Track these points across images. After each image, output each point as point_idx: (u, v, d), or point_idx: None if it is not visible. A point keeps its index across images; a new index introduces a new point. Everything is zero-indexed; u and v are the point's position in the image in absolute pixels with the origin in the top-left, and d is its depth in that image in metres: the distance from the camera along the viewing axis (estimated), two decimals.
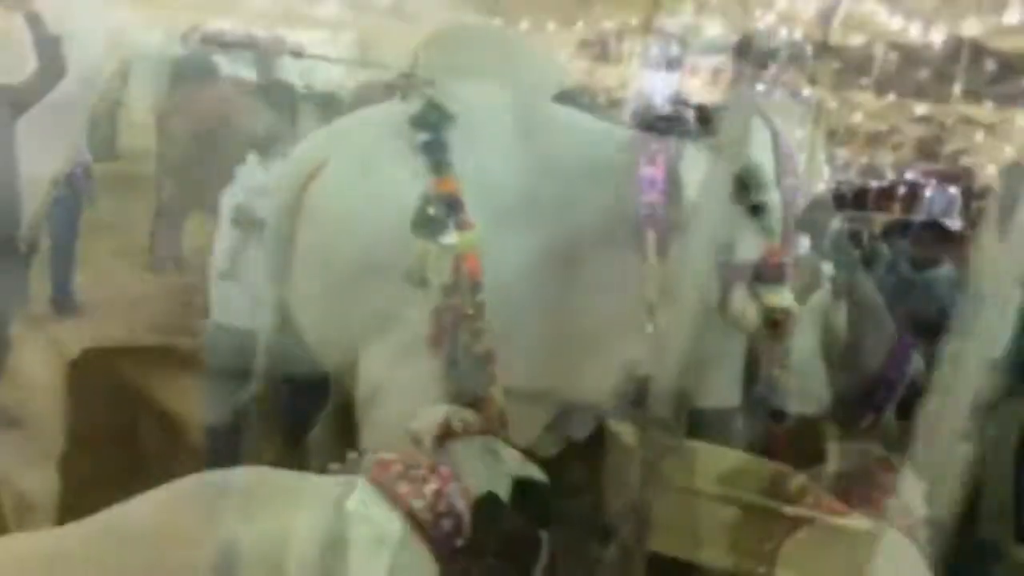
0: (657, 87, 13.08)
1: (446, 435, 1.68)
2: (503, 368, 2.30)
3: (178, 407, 2.29)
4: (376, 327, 2.20)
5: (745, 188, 2.23)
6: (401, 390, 2.19)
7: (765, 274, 2.24)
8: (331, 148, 2.23)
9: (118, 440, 2.49)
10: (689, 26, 12.16)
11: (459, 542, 1.55)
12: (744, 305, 2.26)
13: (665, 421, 2.15)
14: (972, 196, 9.29)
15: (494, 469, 1.69)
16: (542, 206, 2.29)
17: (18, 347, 1.98)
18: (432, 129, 2.21)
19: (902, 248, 3.92)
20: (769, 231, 2.25)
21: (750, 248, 2.26)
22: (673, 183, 2.24)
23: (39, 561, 1.23)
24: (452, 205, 2.15)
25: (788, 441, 3.43)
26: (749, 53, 2.08)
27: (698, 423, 3.08)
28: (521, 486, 1.70)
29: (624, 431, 2.35)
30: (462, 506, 1.58)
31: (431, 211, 2.13)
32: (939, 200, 9.44)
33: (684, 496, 2.20)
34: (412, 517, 1.50)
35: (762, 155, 2.23)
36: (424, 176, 2.17)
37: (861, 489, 2.58)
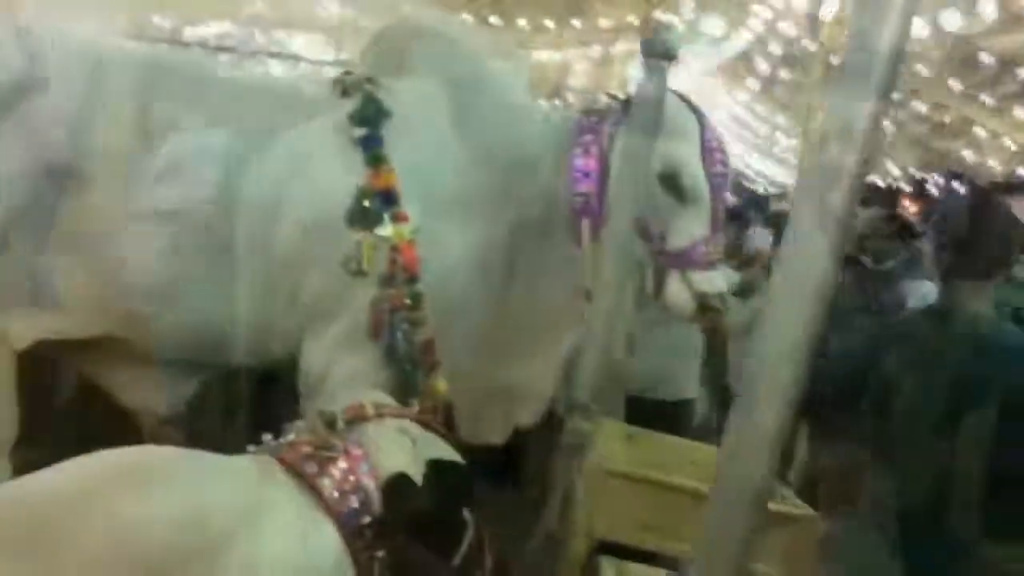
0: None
1: (358, 417, 1.74)
2: (446, 357, 2.36)
3: (129, 398, 2.35)
4: (316, 318, 2.26)
5: (671, 177, 2.28)
6: (342, 380, 2.24)
7: (695, 261, 2.28)
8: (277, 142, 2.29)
9: (69, 431, 2.57)
10: (688, 24, 12.20)
11: (366, 519, 1.60)
12: (678, 292, 2.31)
13: (585, 406, 2.19)
14: None
15: (408, 451, 1.73)
16: (478, 198, 2.35)
17: None
18: (369, 124, 2.27)
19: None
20: (698, 219, 2.29)
21: (682, 236, 2.30)
22: (606, 173, 2.28)
23: None
24: (387, 198, 2.21)
25: None
26: (656, 44, 2.11)
27: (662, 415, 3.15)
28: (435, 467, 1.73)
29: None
30: (371, 485, 1.63)
31: (366, 203, 2.20)
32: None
33: (654, 490, 2.24)
34: (318, 495, 1.56)
35: (687, 145, 2.28)
36: (360, 170, 2.23)
37: (833, 486, 2.61)
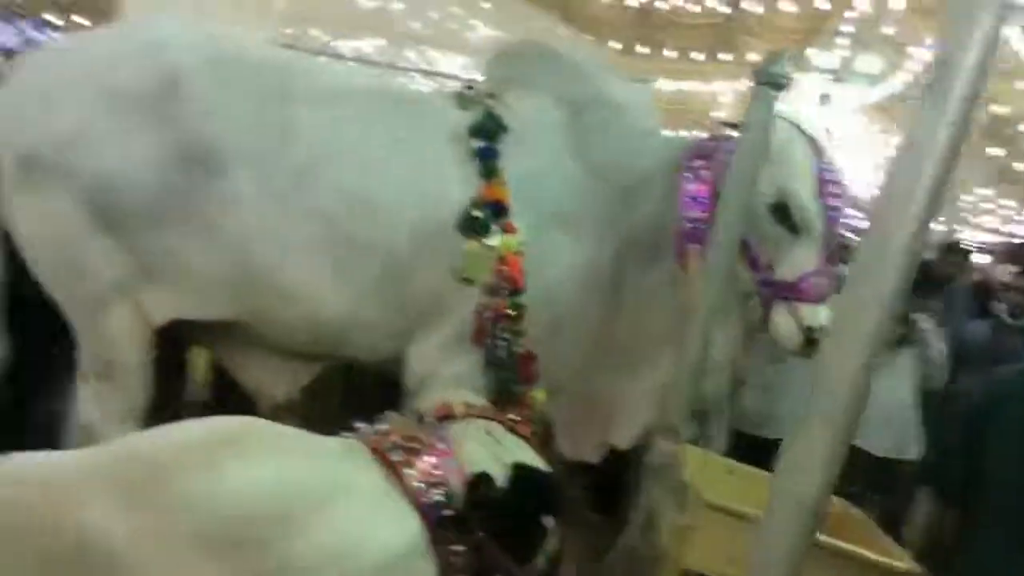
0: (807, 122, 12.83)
1: (448, 415, 1.81)
2: (547, 371, 2.41)
3: (249, 381, 2.52)
4: (424, 320, 2.35)
5: (781, 207, 2.26)
6: (444, 383, 2.33)
7: (804, 294, 2.25)
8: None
9: (193, 405, 2.76)
10: (843, 61, 11.88)
11: (448, 513, 1.67)
12: (785, 324, 2.28)
13: (673, 428, 2.19)
14: None
15: (493, 452, 1.79)
16: (588, 216, 2.40)
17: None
18: (486, 137, 2.36)
19: None
20: (808, 251, 2.26)
21: (791, 268, 2.27)
22: (716, 199, 2.29)
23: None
24: (498, 209, 2.29)
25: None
26: (767, 73, 2.10)
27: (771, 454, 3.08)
28: (519, 471, 1.78)
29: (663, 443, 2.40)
30: (455, 480, 1.69)
31: (477, 213, 2.28)
32: None
33: (749, 526, 2.21)
34: (402, 483, 1.63)
35: (799, 175, 2.26)
36: (475, 180, 2.32)
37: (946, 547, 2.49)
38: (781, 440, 3.27)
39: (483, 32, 9.31)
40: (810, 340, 2.25)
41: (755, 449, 3.19)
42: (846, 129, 12.48)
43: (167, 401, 2.51)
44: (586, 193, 2.40)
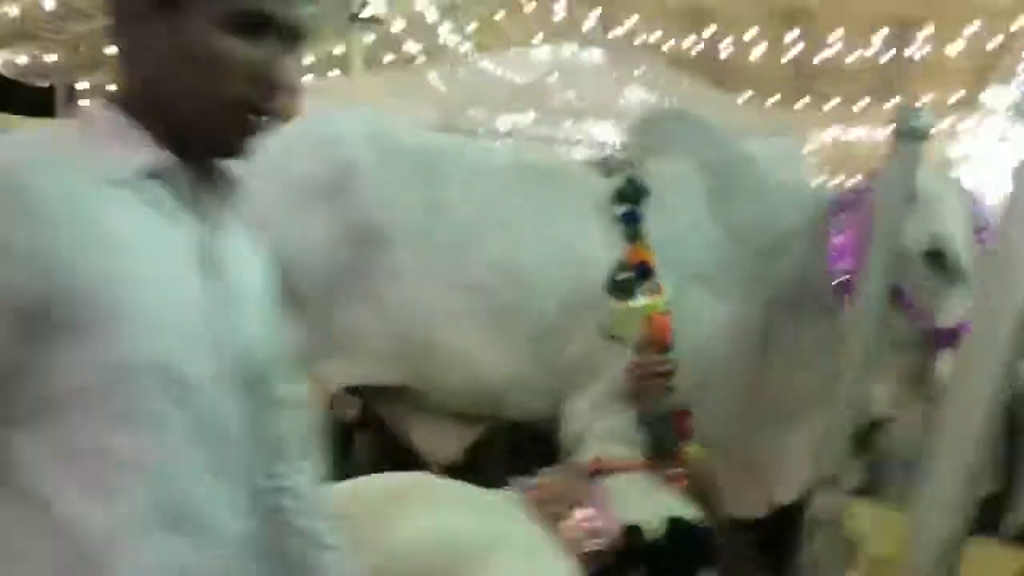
0: (989, 163, 12.14)
1: (604, 469, 1.89)
2: (702, 427, 2.45)
3: (417, 441, 2.69)
4: (576, 380, 2.46)
5: (937, 255, 2.23)
6: (599, 439, 2.41)
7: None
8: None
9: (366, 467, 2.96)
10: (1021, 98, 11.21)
11: (603, 564, 1.74)
12: (945, 368, 2.22)
13: (833, 480, 2.16)
14: None
15: (649, 505, 1.86)
16: (733, 274, 2.44)
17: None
18: (629, 202, 2.47)
19: None
20: (968, 297, 2.20)
21: (951, 315, 2.23)
22: (864, 251, 2.28)
23: None
24: (643, 271, 2.39)
25: None
26: (907, 125, 2.09)
27: None
28: (675, 524, 1.84)
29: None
30: (611, 531, 1.77)
31: (623, 276, 2.38)
32: None
33: None
34: (560, 535, 1.72)
35: (953, 223, 2.23)
36: (620, 244, 2.43)
37: None
38: None
39: (636, 99, 9.48)
40: None
41: None
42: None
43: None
44: (728, 253, 2.45)
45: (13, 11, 10.03)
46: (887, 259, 2.11)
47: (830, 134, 13.85)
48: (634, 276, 2.38)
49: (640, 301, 2.36)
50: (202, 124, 0.99)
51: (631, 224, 2.44)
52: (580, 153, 8.43)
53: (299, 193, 2.41)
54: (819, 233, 2.39)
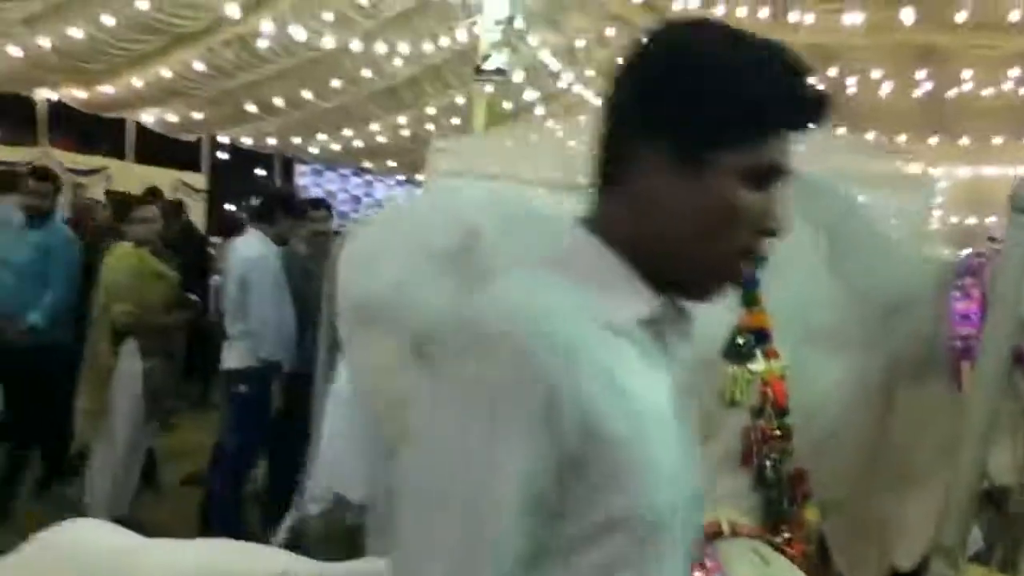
0: None
1: (715, 533, 1.95)
2: (819, 489, 2.46)
3: None
4: (696, 441, 2.52)
5: None
6: (716, 502, 2.46)
7: None
8: None
9: None
10: None
11: None
12: None
13: (950, 549, 2.15)
14: None
15: (762, 572, 1.90)
16: (851, 336, 2.46)
17: None
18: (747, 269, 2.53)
19: None
20: None
21: None
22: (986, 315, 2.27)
23: None
24: (760, 336, 2.43)
25: None
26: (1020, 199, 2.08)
27: None
28: None
29: None
30: None
31: (740, 340, 2.44)
32: None
33: None
34: None
35: None
36: (736, 309, 2.49)
37: None
38: None
39: None
40: None
41: None
42: None
43: None
44: (848, 312, 2.47)
45: (166, 72, 10.89)
46: (1008, 324, 2.10)
47: (965, 171, 13.34)
48: (752, 341, 2.43)
49: (757, 365, 2.41)
50: (699, 270, 1.05)
51: (748, 290, 2.49)
52: None
53: (433, 259, 2.59)
54: (942, 295, 2.39)
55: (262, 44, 9.93)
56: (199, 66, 10.60)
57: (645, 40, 1.04)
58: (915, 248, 2.62)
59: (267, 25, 9.39)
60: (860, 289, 2.50)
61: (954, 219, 12.43)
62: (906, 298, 2.46)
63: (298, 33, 9.56)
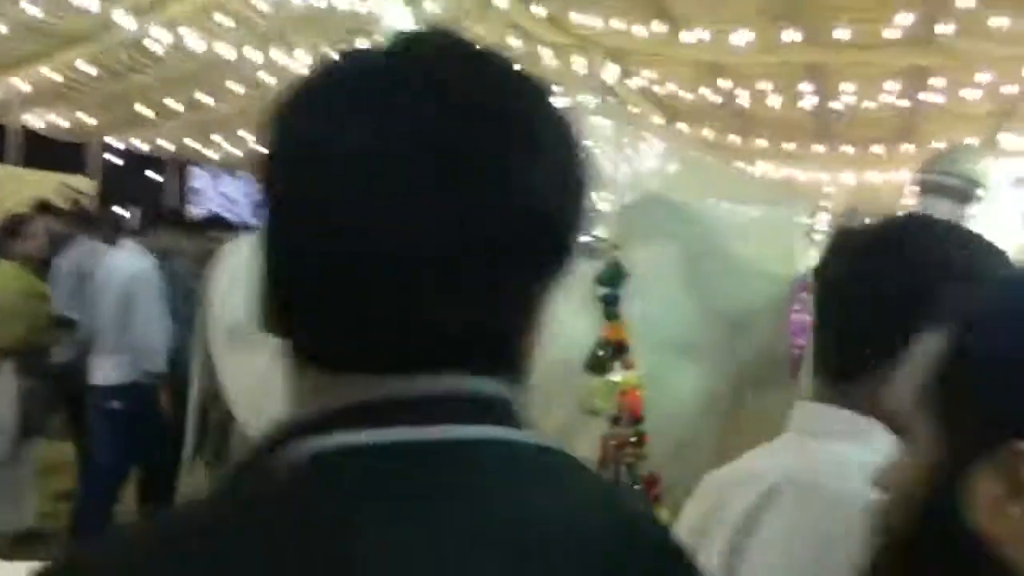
0: (1002, 206, 12.21)
1: None
2: (671, 493, 2.62)
3: None
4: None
5: None
6: None
7: None
8: None
9: None
10: None
11: None
12: None
13: None
14: None
15: None
16: (703, 349, 2.63)
17: None
18: (610, 284, 2.68)
19: None
20: None
21: None
22: None
23: None
24: (619, 348, 2.59)
25: None
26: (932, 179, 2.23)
27: None
28: None
29: None
30: None
31: (601, 352, 2.59)
32: None
33: None
34: None
35: None
36: (599, 323, 2.64)
37: None
38: None
39: (634, 170, 9.63)
40: None
41: None
42: None
43: None
44: (700, 328, 2.64)
45: (55, 75, 10.55)
46: None
47: (848, 177, 14.01)
48: (611, 352, 2.58)
49: (616, 376, 2.56)
50: None
51: (610, 305, 2.64)
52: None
53: None
54: (785, 311, 2.58)
55: (155, 47, 9.72)
56: (88, 68, 10.32)
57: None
58: (765, 266, 2.81)
59: (159, 30, 9.20)
60: (712, 305, 2.67)
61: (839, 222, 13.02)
62: (753, 311, 2.65)
63: (192, 37, 9.40)
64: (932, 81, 11.14)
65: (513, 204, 0.59)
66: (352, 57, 0.65)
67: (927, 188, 2.26)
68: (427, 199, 0.56)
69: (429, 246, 0.56)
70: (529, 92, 0.64)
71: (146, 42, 9.57)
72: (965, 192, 2.02)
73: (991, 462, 0.57)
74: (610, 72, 11.51)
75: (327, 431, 0.56)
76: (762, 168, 13.76)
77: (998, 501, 0.57)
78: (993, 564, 0.57)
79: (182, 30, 9.26)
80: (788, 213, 3.84)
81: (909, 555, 0.63)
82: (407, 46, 0.63)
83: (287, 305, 0.60)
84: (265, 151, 0.62)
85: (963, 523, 0.58)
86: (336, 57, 0.65)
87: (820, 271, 1.22)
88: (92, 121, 12.44)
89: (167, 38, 9.30)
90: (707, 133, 13.54)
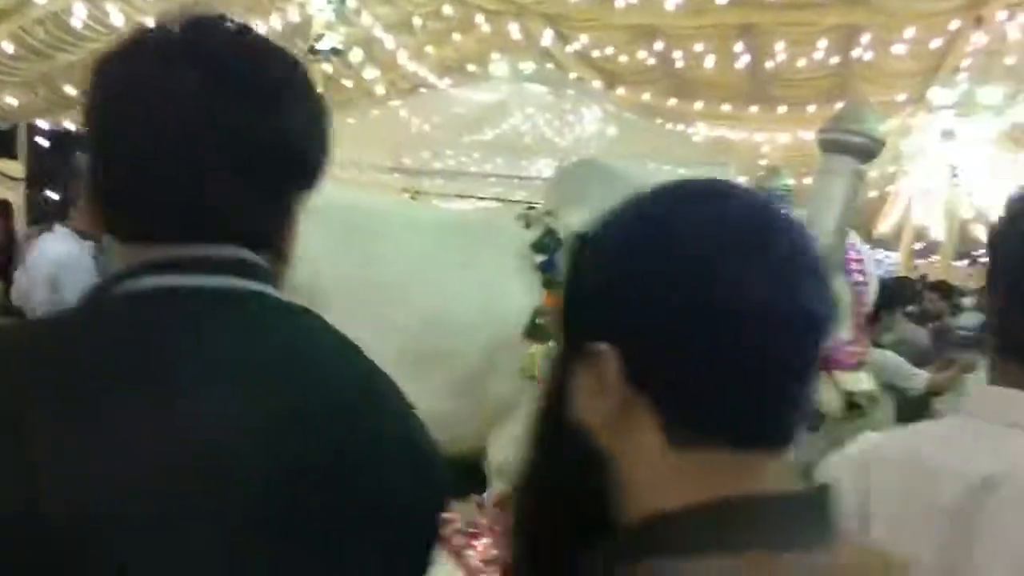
0: (932, 159, 12.54)
1: (505, 502, 2.10)
2: None
3: None
4: (500, 414, 2.69)
5: None
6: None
7: (841, 363, 2.44)
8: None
9: None
10: (964, 94, 11.61)
11: None
12: (826, 392, 2.46)
13: None
14: None
15: None
16: None
17: None
18: (546, 252, 2.71)
19: None
20: (840, 324, 2.45)
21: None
22: None
23: None
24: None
25: None
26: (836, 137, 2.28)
27: None
28: None
29: None
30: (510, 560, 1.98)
31: (539, 321, 2.62)
32: None
33: None
34: (464, 564, 1.94)
35: None
36: (537, 291, 2.67)
37: None
38: None
39: (568, 137, 9.65)
40: (852, 404, 2.43)
41: None
42: (974, 161, 12.09)
43: None
44: None
45: None
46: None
47: (784, 136, 14.21)
48: (550, 320, 2.61)
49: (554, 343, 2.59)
50: None
51: (548, 272, 2.67)
52: (523, 189, 8.64)
53: None
54: None
55: (76, 23, 9.40)
56: (6, 46, 9.94)
57: None
58: None
59: (79, 5, 8.90)
60: None
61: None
62: None
63: (115, 11, 9.11)
64: (863, 39, 11.32)
65: (271, 138, 0.84)
66: (157, 29, 0.87)
67: (830, 146, 2.31)
68: (209, 131, 0.81)
69: (211, 162, 0.81)
70: (282, 59, 0.88)
71: (67, 18, 9.26)
72: (867, 149, 2.06)
73: (583, 362, 0.67)
74: (547, 38, 11.46)
75: (138, 277, 0.81)
76: (701, 130, 13.88)
77: (589, 395, 0.66)
78: (592, 451, 0.66)
79: (104, 5, 8.97)
80: (719, 173, 3.92)
81: (543, 446, 0.78)
82: (196, 23, 0.86)
83: (108, 206, 0.86)
84: (89, 96, 0.86)
85: (571, 417, 0.68)
86: (151, 28, 0.88)
87: (995, 242, 1.14)
88: (15, 102, 12.00)
89: (86, 12, 9.01)
90: (646, 97, 13.59)
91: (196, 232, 0.82)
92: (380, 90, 12.28)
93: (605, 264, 0.69)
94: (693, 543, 0.60)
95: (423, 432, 0.92)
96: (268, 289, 0.86)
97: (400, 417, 0.91)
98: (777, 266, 0.64)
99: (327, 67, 11.46)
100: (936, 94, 12.19)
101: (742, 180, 4.73)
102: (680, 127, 11.55)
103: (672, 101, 13.99)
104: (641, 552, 0.61)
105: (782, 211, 0.68)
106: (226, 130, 0.82)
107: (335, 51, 10.82)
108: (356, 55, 11.25)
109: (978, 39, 10.85)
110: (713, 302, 0.62)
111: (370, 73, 11.80)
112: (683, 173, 3.25)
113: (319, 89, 0.92)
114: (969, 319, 5.27)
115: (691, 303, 0.62)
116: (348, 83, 12.14)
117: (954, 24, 11.04)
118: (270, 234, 0.89)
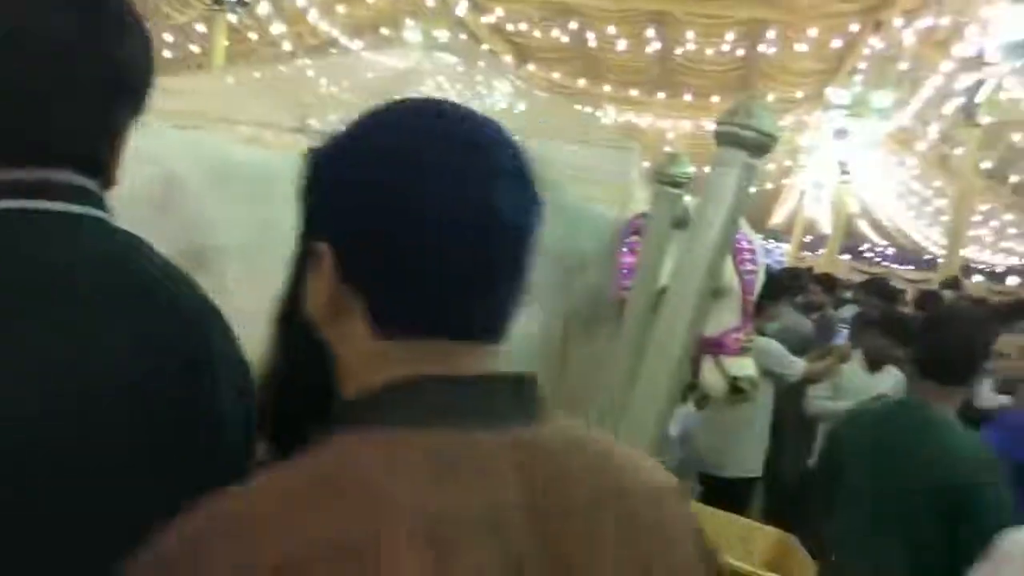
0: (824, 156, 13.08)
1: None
2: None
3: None
4: None
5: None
6: None
7: (727, 348, 2.53)
8: None
9: None
10: (857, 96, 12.10)
11: None
12: (711, 375, 2.55)
13: None
14: None
15: None
16: (538, 292, 2.69)
17: None
18: None
19: None
20: (729, 310, 2.54)
21: (715, 325, 2.55)
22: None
23: None
24: None
25: None
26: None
27: (726, 492, 3.39)
28: None
29: None
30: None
31: None
32: None
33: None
34: None
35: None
36: None
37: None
38: (733, 479, 3.59)
39: (485, 109, 9.64)
40: (735, 388, 2.53)
41: (714, 488, 3.48)
42: (863, 160, 12.66)
43: None
44: (536, 272, 2.70)
45: None
46: (653, 275, 2.40)
47: (687, 124, 14.53)
48: None
49: None
50: None
51: None
52: None
53: (128, 208, 2.51)
54: (613, 254, 2.68)
55: None
56: None
57: None
58: (597, 209, 2.91)
59: None
60: (545, 247, 2.73)
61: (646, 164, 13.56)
62: (579, 255, 2.73)
63: None
64: (768, 34, 11.66)
65: (106, 62, 0.88)
66: None
67: (724, 139, 2.37)
68: (48, 56, 0.85)
69: (46, 85, 0.85)
70: None
71: None
72: (759, 144, 2.14)
73: (311, 262, 0.75)
74: (462, 7, 11.38)
75: None
76: (610, 113, 14.08)
77: (313, 291, 0.73)
78: (319, 341, 0.74)
79: None
80: (621, 157, 3.99)
81: (282, 340, 0.90)
82: None
83: None
84: None
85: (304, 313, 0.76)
86: None
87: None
88: None
89: None
90: (556, 75, 13.67)
91: (34, 156, 0.85)
92: (287, 46, 11.97)
93: (325, 174, 0.76)
94: (382, 417, 0.67)
95: (240, 348, 1.01)
96: (103, 215, 0.93)
97: (228, 335, 1.01)
98: (473, 176, 0.70)
99: (232, 17, 11.12)
100: (833, 94, 12.68)
101: (646, 164, 4.83)
102: (588, 109, 11.66)
103: (582, 81, 14.15)
104: (346, 426, 0.68)
105: (499, 131, 0.74)
106: (63, 55, 0.85)
107: (241, 2, 10.49)
108: (263, 7, 10.93)
109: (875, 43, 11.34)
110: (406, 208, 0.68)
111: (277, 28, 11.48)
112: (588, 154, 3.31)
113: (224, 41, 0.93)
114: (849, 311, 5.53)
115: (386, 207, 0.69)
116: (253, 36, 11.79)
117: (854, 26, 11.50)
118: (102, 160, 0.93)
